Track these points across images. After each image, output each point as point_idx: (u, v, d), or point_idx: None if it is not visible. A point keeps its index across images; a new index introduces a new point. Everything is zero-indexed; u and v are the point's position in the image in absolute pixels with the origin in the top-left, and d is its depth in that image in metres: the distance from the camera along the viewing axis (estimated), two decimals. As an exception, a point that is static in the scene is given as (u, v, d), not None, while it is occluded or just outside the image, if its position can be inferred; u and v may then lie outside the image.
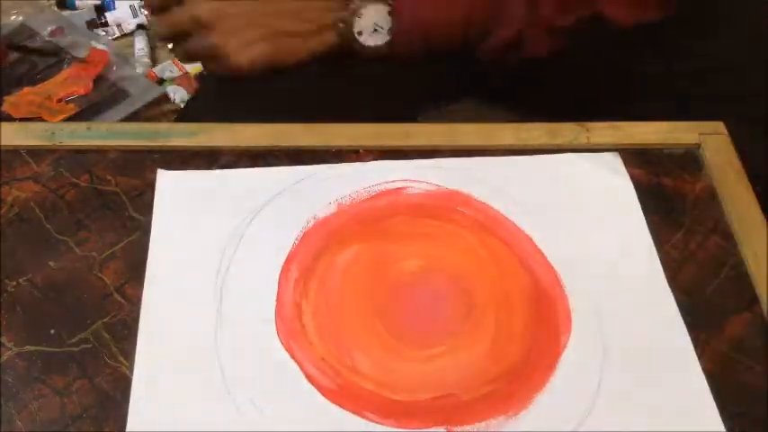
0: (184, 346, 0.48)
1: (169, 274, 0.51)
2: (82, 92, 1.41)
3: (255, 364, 0.47)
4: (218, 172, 0.56)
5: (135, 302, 0.50)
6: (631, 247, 0.54)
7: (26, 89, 1.42)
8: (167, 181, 0.56)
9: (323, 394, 0.46)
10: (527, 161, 0.58)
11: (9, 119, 1.35)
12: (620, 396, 0.47)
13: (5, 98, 1.40)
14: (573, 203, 0.56)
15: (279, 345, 0.48)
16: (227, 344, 0.48)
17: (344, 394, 0.46)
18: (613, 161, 0.58)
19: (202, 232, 0.53)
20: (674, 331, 0.50)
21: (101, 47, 1.49)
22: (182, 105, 1.47)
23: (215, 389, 0.46)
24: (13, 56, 1.48)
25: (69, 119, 1.37)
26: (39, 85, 1.43)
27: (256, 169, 0.57)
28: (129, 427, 0.44)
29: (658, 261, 0.53)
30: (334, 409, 0.46)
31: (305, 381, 0.47)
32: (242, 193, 0.55)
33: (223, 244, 0.52)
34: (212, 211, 0.54)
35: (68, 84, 1.43)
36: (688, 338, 0.49)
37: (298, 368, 0.47)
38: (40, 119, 1.36)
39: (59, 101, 1.40)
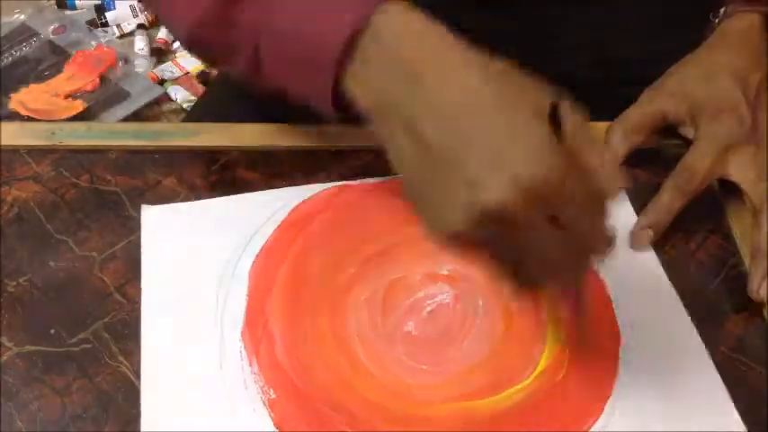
0: (189, 386, 0.46)
1: (167, 315, 0.49)
2: (89, 88, 1.42)
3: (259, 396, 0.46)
4: (203, 202, 0.55)
5: (135, 302, 0.50)
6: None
7: (33, 86, 1.43)
8: (153, 216, 0.54)
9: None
10: None
11: (17, 116, 1.35)
12: (635, 397, 0.47)
13: (12, 96, 1.40)
14: None
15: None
16: (233, 380, 0.47)
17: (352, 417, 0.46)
18: None
19: (195, 268, 0.51)
20: (679, 321, 0.50)
21: (105, 46, 1.50)
22: (183, 105, 1.48)
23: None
24: (16, 54, 1.49)
25: (78, 115, 1.37)
26: (46, 83, 1.43)
27: (242, 195, 0.55)
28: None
29: (653, 252, 0.53)
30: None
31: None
32: (230, 223, 0.53)
33: (217, 279, 0.51)
34: (202, 245, 0.52)
35: (75, 80, 1.43)
36: (692, 326, 0.50)
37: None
38: (47, 115, 1.36)
39: (67, 97, 1.41)
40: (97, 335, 0.48)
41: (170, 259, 0.52)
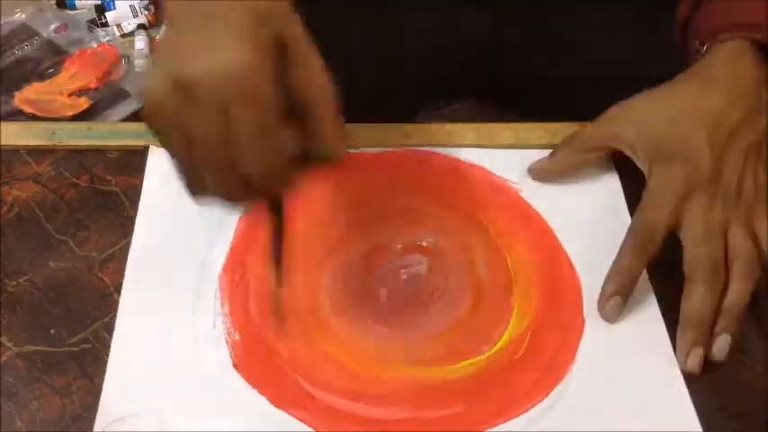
0: (163, 317, 0.49)
1: (154, 253, 0.51)
2: (92, 86, 1.42)
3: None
4: None
5: (135, 302, 0.50)
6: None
7: (36, 84, 1.43)
8: (159, 158, 0.55)
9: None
10: (510, 156, 0.58)
11: (21, 113, 1.35)
12: (588, 386, 0.47)
13: (16, 93, 1.40)
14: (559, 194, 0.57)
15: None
16: (203, 317, 0.49)
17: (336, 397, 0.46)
18: None
19: (189, 214, 0.53)
20: (648, 315, 0.50)
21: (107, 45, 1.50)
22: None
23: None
24: (17, 54, 1.48)
25: (82, 113, 1.37)
26: (49, 81, 1.43)
27: None
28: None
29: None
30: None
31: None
32: None
33: (205, 228, 0.53)
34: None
35: (78, 78, 1.43)
36: (660, 319, 0.50)
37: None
38: (52, 113, 1.36)
39: (71, 95, 1.41)
40: (97, 335, 0.49)
41: (166, 203, 0.54)
